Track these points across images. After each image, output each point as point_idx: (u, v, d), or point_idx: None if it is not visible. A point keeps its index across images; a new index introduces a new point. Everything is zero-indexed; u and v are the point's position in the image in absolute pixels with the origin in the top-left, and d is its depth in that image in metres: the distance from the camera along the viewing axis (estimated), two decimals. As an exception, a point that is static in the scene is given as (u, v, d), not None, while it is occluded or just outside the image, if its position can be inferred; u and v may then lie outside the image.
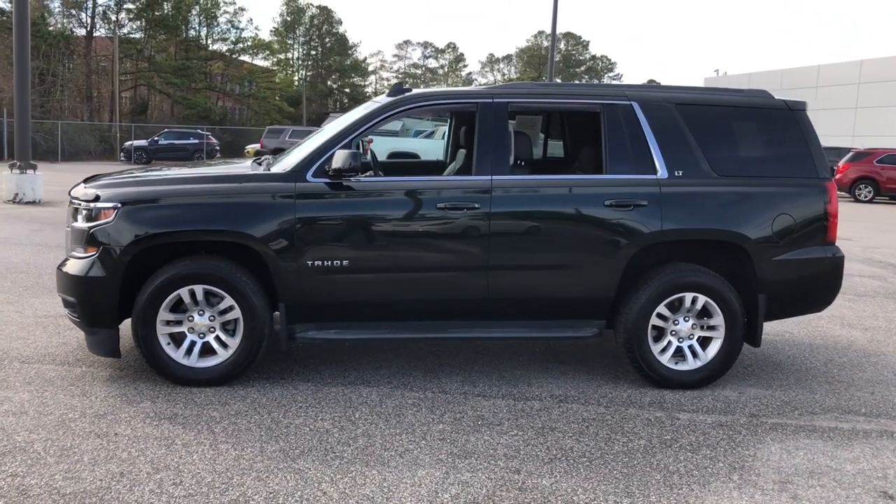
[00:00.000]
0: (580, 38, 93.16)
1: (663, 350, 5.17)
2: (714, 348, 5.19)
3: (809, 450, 4.30)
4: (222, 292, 4.84)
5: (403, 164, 7.95)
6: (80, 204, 4.92)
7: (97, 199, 4.87)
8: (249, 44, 64.31)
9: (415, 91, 5.32)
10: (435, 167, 6.87)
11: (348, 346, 5.82)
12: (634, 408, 4.86)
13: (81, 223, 4.88)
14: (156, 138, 37.66)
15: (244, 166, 5.41)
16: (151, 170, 5.82)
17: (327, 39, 79.60)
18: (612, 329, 5.29)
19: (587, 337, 5.17)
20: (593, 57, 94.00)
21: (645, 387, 5.22)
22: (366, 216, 4.93)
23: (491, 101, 5.13)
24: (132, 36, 53.48)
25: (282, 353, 5.36)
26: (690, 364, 5.18)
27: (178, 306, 4.90)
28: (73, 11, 50.33)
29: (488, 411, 4.69)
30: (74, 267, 4.86)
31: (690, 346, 5.20)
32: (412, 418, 4.53)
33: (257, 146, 33.35)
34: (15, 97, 14.12)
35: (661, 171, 5.10)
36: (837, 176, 26.39)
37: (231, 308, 4.88)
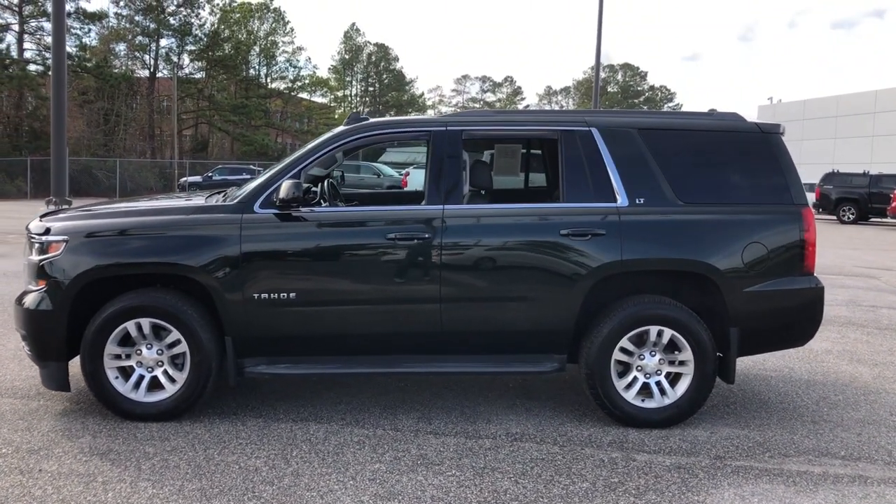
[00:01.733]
0: (637, 68, 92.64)
1: (628, 386, 4.91)
2: (683, 385, 4.90)
3: (766, 496, 3.98)
4: (169, 325, 4.79)
5: (378, 194, 7.86)
6: (33, 237, 4.95)
7: (47, 231, 4.90)
8: (307, 81, 65.81)
9: (371, 120, 5.23)
10: (417, 197, 6.74)
11: (304, 380, 5.70)
12: (591, 447, 4.60)
13: (34, 256, 4.90)
14: (210, 174, 38.58)
15: (200, 199, 5.38)
16: (117, 202, 5.84)
17: (385, 76, 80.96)
18: (577, 363, 5.05)
19: (546, 372, 4.94)
20: (651, 87, 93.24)
21: (610, 425, 4.95)
22: (313, 247, 4.83)
23: (444, 128, 5.00)
24: (193, 76, 55.21)
25: (232, 388, 5.26)
26: (658, 401, 4.90)
27: (127, 340, 4.86)
28: (137, 54, 52.24)
29: (433, 450, 4.50)
30: (27, 300, 4.87)
31: (658, 383, 4.92)
32: (350, 457, 4.37)
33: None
34: (52, 135, 14.58)
35: (622, 199, 4.88)
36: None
37: (178, 342, 4.82)
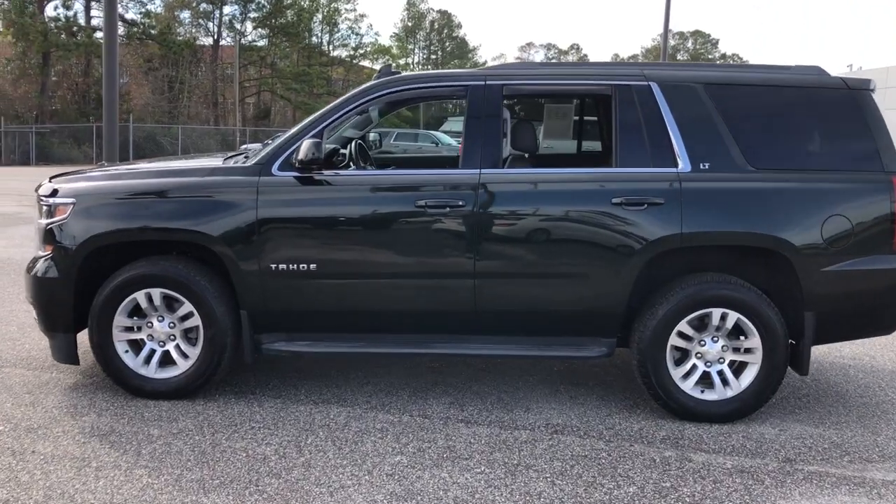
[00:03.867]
0: (708, 35, 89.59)
1: (686, 375, 4.36)
2: (749, 375, 4.32)
3: (845, 511, 3.42)
4: (180, 297, 4.42)
5: (416, 159, 7.35)
6: (42, 199, 4.62)
7: (54, 193, 4.56)
8: (369, 49, 65.33)
9: (402, 74, 4.73)
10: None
11: (331, 359, 5.28)
12: (641, 444, 4.08)
13: (42, 220, 4.57)
14: (268, 141, 38.53)
15: (217, 160, 4.95)
16: (129, 164, 5.46)
17: (447, 43, 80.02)
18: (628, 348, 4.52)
19: (593, 357, 4.42)
20: (723, 56, 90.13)
21: (664, 418, 4.42)
22: (335, 214, 4.38)
23: (483, 83, 4.47)
24: (256, 44, 55.28)
25: (250, 367, 4.86)
26: (719, 393, 4.34)
27: (138, 311, 4.51)
28: (201, 21, 52.49)
29: (463, 442, 4.04)
30: (35, 267, 4.55)
31: (720, 372, 4.36)
32: (370, 447, 3.94)
33: (364, 148, 33.45)
34: (104, 101, 14.46)
35: (683, 164, 4.29)
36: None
37: (191, 314, 4.45)
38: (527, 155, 4.84)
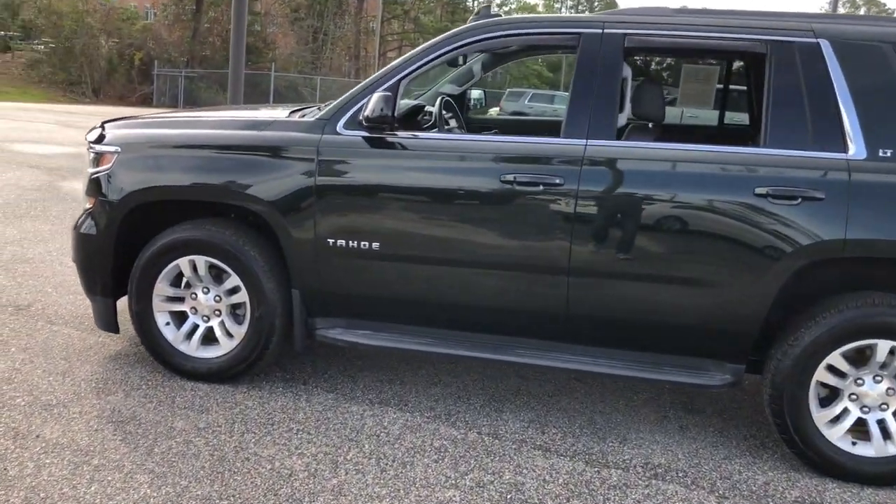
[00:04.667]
0: (884, 4, 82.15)
1: (834, 420, 3.38)
2: (922, 430, 3.31)
3: None
4: (226, 268, 3.82)
5: (524, 122, 6.43)
6: (91, 146, 4.12)
7: (100, 140, 4.04)
8: (515, 5, 63.93)
9: (501, 17, 3.89)
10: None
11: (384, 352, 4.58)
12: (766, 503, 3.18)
13: (89, 169, 4.08)
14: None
15: (282, 111, 4.29)
16: (191, 111, 4.86)
17: (596, 2, 77.23)
18: (760, 376, 3.58)
19: (713, 386, 3.51)
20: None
21: (800, 471, 3.47)
22: (405, 185, 3.63)
23: (600, 31, 3.57)
24: (400, -3, 55.09)
25: (298, 354, 4.22)
26: (878, 448, 3.34)
27: (182, 281, 3.96)
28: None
29: (535, 478, 3.25)
30: (77, 221, 4.08)
31: (881, 421, 3.36)
32: (420, 472, 3.22)
33: (497, 109, 32.60)
34: (231, 46, 14.33)
35: (856, 148, 3.26)
36: None
37: (238, 289, 3.85)
38: (650, 125, 3.92)
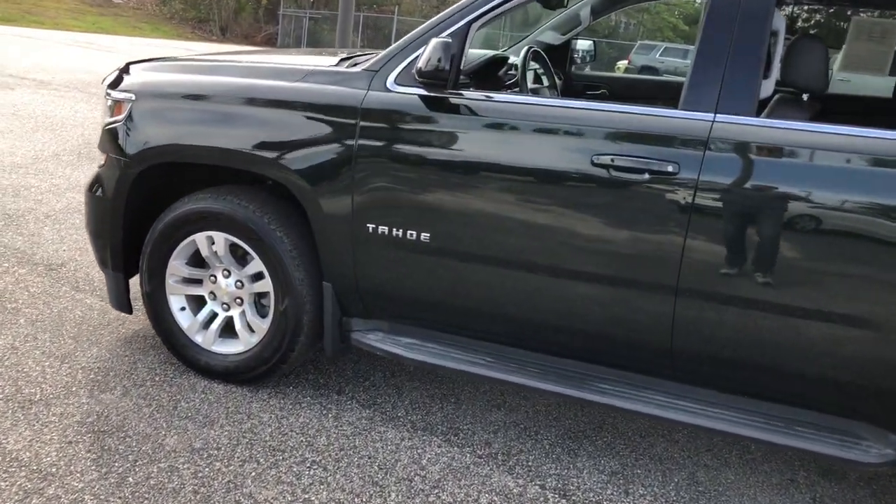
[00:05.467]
0: None
1: None
2: None
3: None
4: (248, 248, 3.12)
5: (623, 81, 5.33)
6: (106, 93, 3.47)
7: (117, 84, 3.38)
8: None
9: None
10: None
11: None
12: None
13: (106, 118, 3.43)
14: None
15: (331, 59, 3.48)
16: (215, 54, 4.06)
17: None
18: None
19: (867, 464, 2.54)
20: None
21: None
22: (467, 161, 2.78)
23: (744, -35, 2.58)
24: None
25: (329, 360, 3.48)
26: None
27: (200, 260, 3.29)
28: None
29: (608, 566, 2.42)
30: (89, 180, 3.46)
31: None
32: (453, 544, 2.45)
33: (626, 62, 30.82)
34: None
35: None
36: None
37: (261, 276, 3.15)
38: (805, 96, 2.90)
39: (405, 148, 2.82)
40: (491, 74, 3.29)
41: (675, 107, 2.58)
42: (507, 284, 2.80)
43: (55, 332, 3.59)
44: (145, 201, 3.34)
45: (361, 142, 2.85)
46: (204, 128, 3.08)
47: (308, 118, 2.93)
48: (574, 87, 4.16)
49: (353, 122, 2.86)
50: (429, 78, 2.72)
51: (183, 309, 3.34)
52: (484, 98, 2.83)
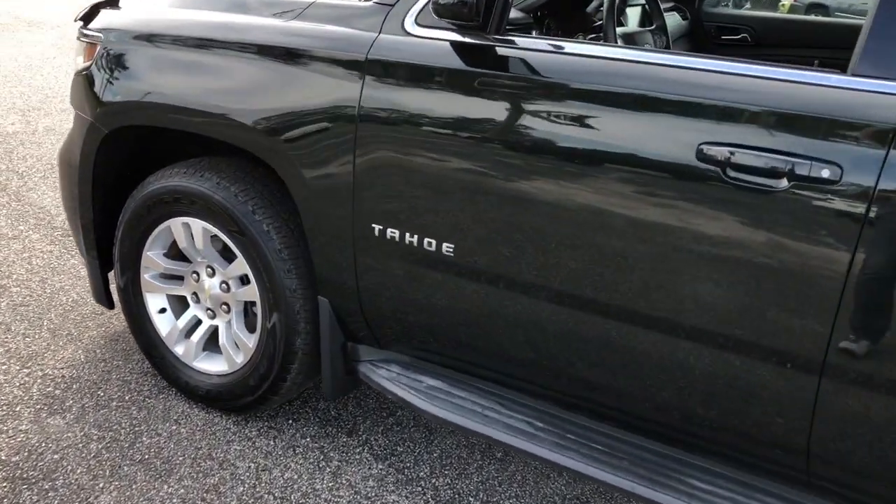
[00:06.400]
0: None
1: None
2: None
3: None
4: (228, 241, 2.35)
5: (775, 23, 4.10)
6: (81, 33, 2.74)
7: (85, 22, 2.65)
8: None
9: None
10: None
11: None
12: None
13: (77, 62, 2.72)
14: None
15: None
16: None
17: None
18: None
19: None
20: None
21: None
22: (507, 140, 1.85)
23: None
24: None
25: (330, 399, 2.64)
26: None
27: (180, 252, 2.56)
28: None
29: None
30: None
31: None
32: None
33: None
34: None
35: None
36: None
37: (246, 279, 2.38)
38: None
39: (424, 120, 1.93)
40: (568, 12, 2.32)
41: (844, 71, 1.56)
42: (561, 324, 1.89)
43: (34, 322, 2.99)
44: (127, 174, 2.62)
45: (366, 109, 1.98)
46: (165, 80, 2.30)
47: (298, 68, 2.08)
48: (702, 31, 3.10)
49: (355, 79, 1.99)
50: (454, 17, 1.82)
51: (163, 311, 2.63)
52: (550, 49, 1.89)
